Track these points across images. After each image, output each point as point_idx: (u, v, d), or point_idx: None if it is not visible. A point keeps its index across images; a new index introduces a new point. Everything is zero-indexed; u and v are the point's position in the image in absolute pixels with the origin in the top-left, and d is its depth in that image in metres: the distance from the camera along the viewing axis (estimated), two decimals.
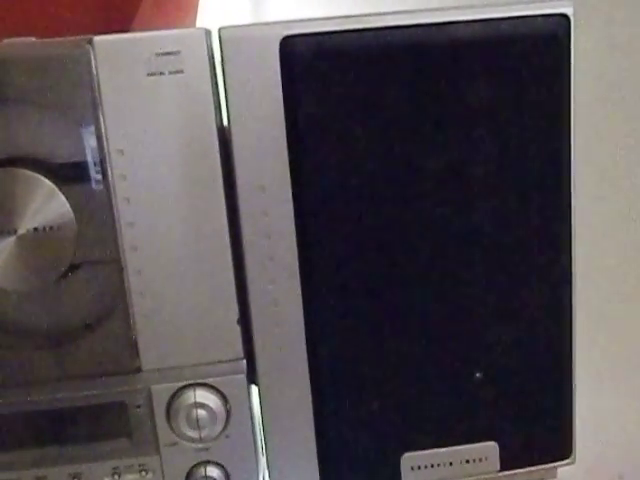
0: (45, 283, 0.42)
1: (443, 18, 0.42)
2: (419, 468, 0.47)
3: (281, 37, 0.41)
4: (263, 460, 0.48)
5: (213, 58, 0.42)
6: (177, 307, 0.44)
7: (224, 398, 0.45)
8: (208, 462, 0.46)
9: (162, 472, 0.46)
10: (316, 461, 0.47)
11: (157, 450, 0.46)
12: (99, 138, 0.41)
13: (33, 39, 0.41)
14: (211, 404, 0.45)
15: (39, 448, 0.45)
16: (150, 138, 0.41)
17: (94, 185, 0.42)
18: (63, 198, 0.40)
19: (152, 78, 0.41)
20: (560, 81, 0.44)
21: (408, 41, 0.42)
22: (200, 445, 0.46)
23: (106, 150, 0.41)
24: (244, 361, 0.45)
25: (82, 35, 0.40)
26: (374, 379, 0.46)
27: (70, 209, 0.41)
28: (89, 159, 0.41)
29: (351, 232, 0.44)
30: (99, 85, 0.40)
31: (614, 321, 0.72)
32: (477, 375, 0.46)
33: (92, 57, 0.40)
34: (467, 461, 0.48)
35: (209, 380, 0.45)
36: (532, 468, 0.49)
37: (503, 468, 0.48)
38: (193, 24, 0.62)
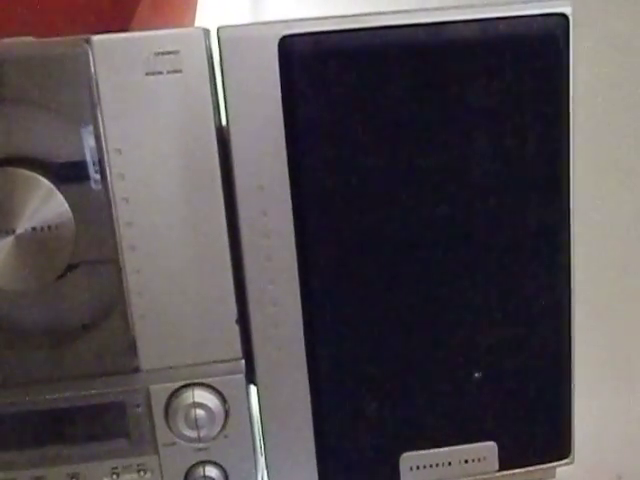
0: (43, 283, 0.42)
1: (441, 18, 0.42)
2: (418, 468, 0.47)
3: (280, 37, 0.41)
4: (262, 460, 0.48)
5: (212, 58, 0.42)
6: (176, 307, 0.44)
7: (223, 398, 0.45)
8: (207, 462, 0.46)
9: (161, 472, 0.46)
10: (315, 461, 0.47)
11: (156, 450, 0.46)
12: (97, 138, 0.41)
13: (31, 39, 0.41)
14: (210, 404, 0.45)
15: (37, 448, 0.45)
16: (148, 138, 0.41)
17: (92, 185, 0.42)
18: (61, 198, 0.40)
19: (150, 78, 0.41)
20: (559, 81, 0.44)
21: (406, 41, 0.42)
22: (199, 445, 0.46)
23: (104, 150, 0.41)
24: (243, 361, 0.45)
25: (80, 35, 0.40)
26: (373, 379, 0.46)
27: (68, 209, 0.41)
28: (87, 159, 0.41)
29: (350, 232, 0.44)
30: (97, 85, 0.40)
31: (613, 321, 0.72)
32: (476, 375, 0.46)
33: (90, 57, 0.40)
34: (466, 461, 0.48)
35: (208, 380, 0.45)
36: (531, 468, 0.49)
37: (502, 468, 0.48)
38: (192, 24, 0.62)
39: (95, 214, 0.42)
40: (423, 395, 0.46)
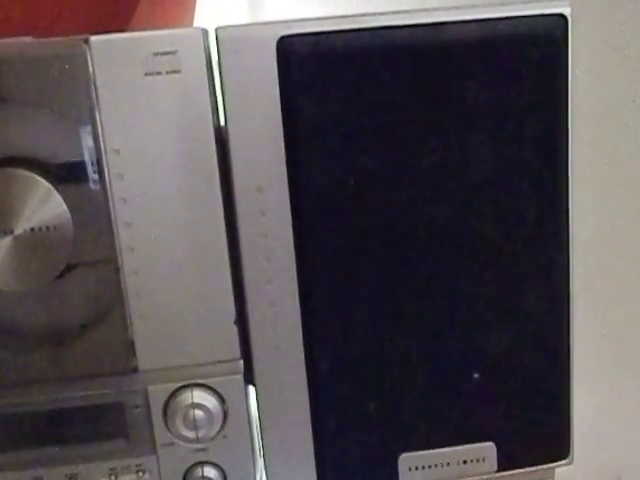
0: (42, 283, 0.42)
1: (440, 18, 0.42)
2: (417, 468, 0.47)
3: (278, 37, 0.41)
4: (260, 461, 0.48)
5: (210, 58, 0.42)
6: (174, 307, 0.43)
7: (221, 399, 0.45)
8: (205, 463, 0.46)
9: (159, 473, 0.46)
10: (313, 461, 0.47)
11: (154, 450, 0.46)
12: (96, 138, 0.41)
13: (30, 39, 0.41)
14: (208, 405, 0.45)
15: (36, 448, 0.45)
16: (147, 138, 0.41)
17: (91, 185, 0.42)
18: (60, 198, 0.40)
19: (149, 78, 0.41)
20: (558, 81, 0.44)
21: (405, 41, 0.42)
22: (197, 446, 0.46)
23: (103, 150, 0.41)
24: (241, 361, 0.45)
25: (79, 35, 0.40)
26: (371, 379, 0.46)
27: (67, 209, 0.40)
28: (86, 159, 0.41)
29: (348, 232, 0.44)
30: (96, 85, 0.40)
31: (613, 322, 0.72)
32: (475, 375, 0.46)
33: (89, 57, 0.40)
34: (464, 462, 0.48)
35: (206, 380, 0.45)
36: (530, 469, 0.49)
37: (501, 469, 0.48)
38: (190, 24, 0.62)
39: (93, 215, 0.42)
40: (422, 396, 0.46)
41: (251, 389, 0.47)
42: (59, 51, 0.40)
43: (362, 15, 0.41)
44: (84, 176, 0.41)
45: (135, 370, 0.44)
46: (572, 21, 0.43)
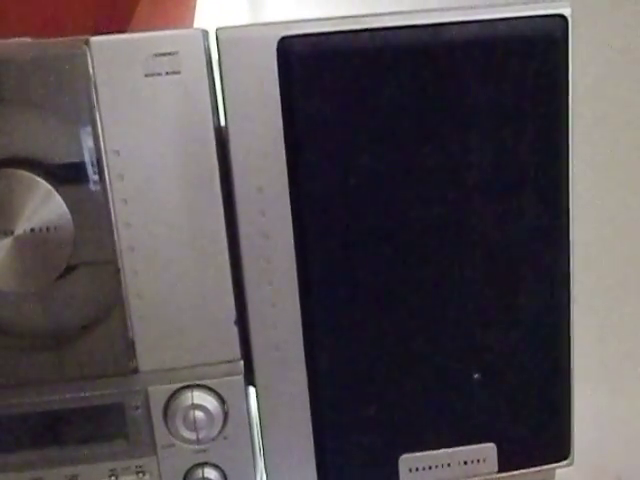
0: (42, 284, 0.42)
1: (441, 19, 0.42)
2: (417, 469, 0.47)
3: (278, 38, 0.41)
4: (261, 462, 0.48)
5: (210, 59, 0.42)
6: (174, 308, 0.43)
7: (221, 399, 0.45)
8: (206, 464, 0.46)
9: (159, 474, 0.46)
10: (314, 462, 0.47)
11: (154, 452, 0.46)
12: (96, 139, 0.41)
13: (29, 39, 0.41)
14: (208, 405, 0.45)
15: (36, 449, 0.45)
16: (147, 139, 0.41)
17: (91, 186, 0.42)
18: (60, 199, 0.40)
19: (149, 79, 0.41)
20: (558, 81, 0.44)
21: (405, 42, 0.42)
22: (197, 447, 0.46)
23: (103, 151, 0.41)
24: (241, 362, 0.45)
25: (79, 35, 0.40)
26: (372, 380, 0.46)
27: (67, 210, 0.40)
28: (86, 160, 0.41)
29: (349, 232, 0.44)
30: (96, 86, 0.40)
31: (613, 322, 0.72)
32: (475, 376, 0.46)
33: (89, 57, 0.40)
34: (465, 462, 0.48)
35: (206, 381, 0.45)
36: (530, 469, 0.49)
37: (501, 469, 0.48)
38: (191, 25, 0.62)
39: (94, 215, 0.42)
40: (422, 396, 0.46)
41: (251, 390, 0.47)
42: (59, 52, 0.40)
43: (362, 16, 0.41)
44: (84, 177, 0.41)
45: (135, 371, 0.44)
46: (572, 22, 0.43)
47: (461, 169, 0.44)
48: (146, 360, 0.44)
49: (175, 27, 0.52)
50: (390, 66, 0.42)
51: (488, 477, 0.48)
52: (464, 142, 0.43)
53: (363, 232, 0.44)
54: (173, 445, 0.45)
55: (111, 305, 0.43)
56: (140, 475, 0.46)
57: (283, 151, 0.42)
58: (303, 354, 0.45)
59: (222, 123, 0.43)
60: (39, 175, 0.40)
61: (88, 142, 0.41)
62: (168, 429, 0.45)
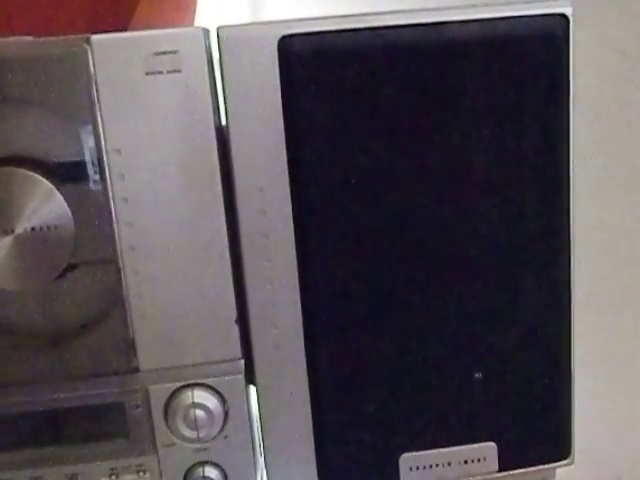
0: (42, 283, 0.42)
1: (442, 18, 0.42)
2: (418, 468, 0.47)
3: (279, 36, 0.41)
4: (261, 460, 0.48)
5: (211, 57, 0.42)
6: (175, 307, 0.43)
7: (222, 398, 0.45)
8: (206, 462, 0.46)
9: (160, 472, 0.46)
10: (314, 461, 0.47)
11: (155, 450, 0.46)
12: (97, 138, 0.41)
13: (30, 38, 0.41)
14: (209, 404, 0.45)
15: (36, 448, 0.45)
16: (148, 138, 0.41)
17: (92, 185, 0.42)
18: (61, 198, 0.40)
19: (150, 77, 0.41)
20: (559, 81, 0.44)
21: (406, 41, 0.42)
22: (198, 445, 0.46)
23: (104, 150, 0.41)
24: (242, 361, 0.45)
25: (80, 34, 0.40)
26: (372, 379, 0.46)
27: (68, 209, 0.40)
28: (87, 159, 0.41)
29: (350, 232, 0.44)
30: (97, 84, 0.40)
31: (613, 322, 0.72)
32: (476, 375, 0.46)
33: (90, 56, 0.40)
34: (466, 461, 0.48)
35: (207, 380, 0.45)
36: (531, 469, 0.49)
37: (502, 469, 0.48)
38: (191, 23, 0.61)
39: (94, 214, 0.42)
40: (423, 395, 0.46)
41: (252, 389, 0.47)
42: (60, 50, 0.40)
43: (363, 15, 0.41)
44: (85, 176, 0.41)
45: (136, 370, 0.44)
46: (573, 21, 0.43)
47: (461, 168, 0.44)
48: (146, 359, 0.44)
49: (176, 26, 0.52)
50: (391, 65, 0.42)
51: (488, 476, 0.48)
52: (465, 141, 0.43)
53: (363, 232, 0.44)
54: (173, 444, 0.45)
55: (111, 304, 0.43)
56: (141, 474, 0.46)
57: (284, 150, 0.42)
58: (304, 353, 0.45)
59: (223, 122, 0.43)
60: (40, 174, 0.40)
61: (89, 141, 0.41)
62: (168, 428, 0.45)
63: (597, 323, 0.69)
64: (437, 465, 0.48)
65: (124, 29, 0.43)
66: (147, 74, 0.40)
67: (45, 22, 0.50)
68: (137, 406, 0.45)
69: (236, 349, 0.45)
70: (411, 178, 0.43)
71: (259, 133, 0.42)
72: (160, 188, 0.42)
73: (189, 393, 0.45)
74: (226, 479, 0.47)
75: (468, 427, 0.47)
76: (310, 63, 0.41)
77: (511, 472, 0.48)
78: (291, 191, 0.43)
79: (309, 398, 0.46)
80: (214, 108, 0.42)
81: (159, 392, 0.45)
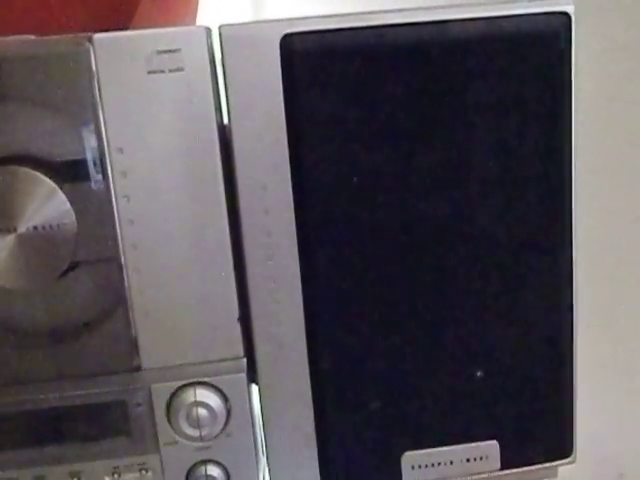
0: (45, 282, 0.42)
1: (444, 16, 0.42)
2: (420, 467, 0.47)
3: (282, 35, 0.41)
4: (263, 459, 0.48)
5: (213, 56, 0.42)
6: (177, 305, 0.43)
7: (224, 397, 0.45)
8: (208, 461, 0.46)
9: (162, 471, 0.46)
10: (317, 460, 0.47)
11: (157, 449, 0.46)
12: (99, 136, 0.41)
13: (32, 37, 0.41)
14: (211, 403, 0.45)
15: (38, 447, 0.45)
16: (150, 136, 0.41)
17: (94, 183, 0.42)
18: (63, 196, 0.40)
19: (152, 76, 0.41)
20: (561, 79, 0.44)
21: (409, 39, 0.42)
22: (200, 444, 0.46)
23: (106, 148, 0.41)
24: (244, 360, 0.45)
25: (82, 33, 0.40)
26: (375, 378, 0.46)
27: (70, 207, 0.40)
28: (89, 157, 0.41)
29: (352, 230, 0.44)
30: (99, 83, 0.40)
31: (615, 320, 0.72)
32: (478, 374, 0.46)
33: (92, 55, 0.40)
34: (468, 460, 0.48)
35: (209, 379, 0.45)
36: (533, 467, 0.49)
37: (504, 467, 0.48)
38: (193, 22, 0.61)
39: (97, 213, 0.42)
40: (425, 394, 0.46)
41: (254, 387, 0.47)
42: (62, 49, 0.40)
43: (366, 13, 0.41)
44: (87, 174, 0.41)
45: (138, 368, 0.44)
46: (575, 19, 0.43)
47: (464, 166, 0.44)
48: (149, 357, 0.44)
49: (178, 24, 0.52)
50: (393, 63, 0.42)
51: (490, 474, 0.48)
52: (467, 140, 0.43)
53: (366, 229, 0.44)
54: (176, 442, 0.45)
55: (114, 303, 0.43)
56: (143, 472, 0.46)
57: (286, 149, 0.42)
58: (306, 351, 0.45)
59: (225, 121, 0.43)
60: (42, 173, 0.40)
61: (91, 139, 0.41)
62: (171, 426, 0.45)
63: (600, 321, 0.69)
64: (439, 464, 0.48)
65: (126, 28, 0.43)
66: (149, 73, 0.40)
67: (47, 21, 0.50)
68: (139, 404, 0.45)
69: (238, 348, 0.45)
70: (413, 175, 0.43)
71: (261, 131, 0.42)
72: (162, 186, 0.42)
73: (191, 392, 0.45)
74: (228, 478, 0.47)
75: (470, 426, 0.47)
76: (312, 61, 0.41)
77: (513, 470, 0.49)
78: (293, 189, 0.43)
79: (311, 396, 0.46)
80: (216, 107, 0.42)
81: (161, 390, 0.45)
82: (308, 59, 0.41)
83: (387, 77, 0.42)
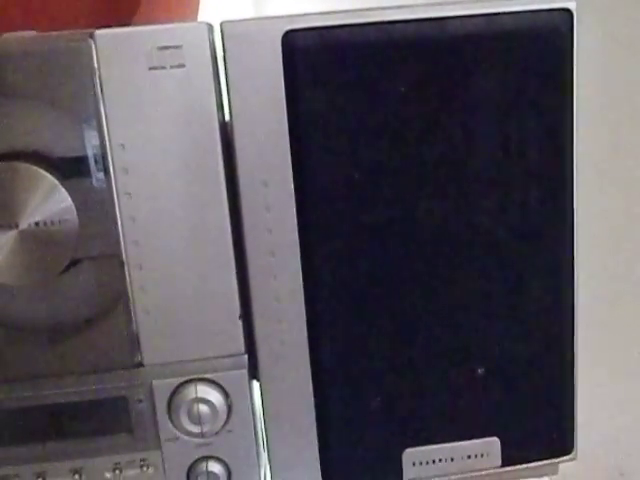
0: (46, 278, 0.42)
1: (446, 12, 0.42)
2: (421, 464, 0.47)
3: (283, 31, 0.41)
4: (264, 455, 0.48)
5: (215, 52, 0.42)
6: (178, 302, 0.44)
7: (225, 393, 0.45)
8: (209, 457, 0.46)
9: (163, 467, 0.46)
10: (317, 456, 0.47)
11: (158, 445, 0.46)
12: (101, 132, 0.41)
13: (34, 33, 0.41)
14: (212, 399, 0.45)
15: (40, 443, 0.45)
16: (152, 133, 0.41)
17: (95, 180, 0.42)
18: (65, 193, 0.40)
19: (154, 72, 0.41)
20: (563, 75, 0.44)
21: (411, 35, 0.42)
22: (201, 440, 0.46)
23: (107, 144, 0.41)
24: (245, 356, 0.45)
25: (83, 29, 0.40)
26: (376, 374, 0.46)
27: (72, 204, 0.40)
28: (91, 153, 0.41)
29: (353, 227, 0.44)
30: (100, 79, 0.40)
31: (616, 317, 0.72)
32: (479, 371, 0.46)
33: (93, 51, 0.40)
34: (469, 457, 0.48)
35: (210, 375, 0.45)
36: (533, 464, 0.49)
37: (504, 464, 0.48)
38: (195, 19, 0.61)
39: (98, 209, 0.42)
40: (426, 391, 0.46)
41: (255, 384, 0.47)
42: (64, 45, 0.40)
43: (367, 9, 0.41)
44: (89, 171, 0.41)
45: (139, 364, 0.44)
46: (577, 16, 0.43)
47: (466, 162, 0.44)
48: (150, 354, 0.44)
49: (179, 21, 0.52)
50: (395, 60, 0.42)
51: (491, 471, 0.48)
52: (469, 136, 0.43)
53: (367, 226, 0.44)
54: (177, 438, 0.46)
55: (115, 299, 0.43)
56: (144, 468, 0.46)
57: (288, 145, 0.42)
58: (307, 348, 0.45)
59: (226, 117, 0.43)
60: (44, 169, 0.40)
61: (93, 136, 0.41)
62: (172, 422, 0.45)
63: (601, 318, 0.69)
64: (440, 460, 0.48)
65: (128, 24, 0.42)
66: (151, 69, 0.40)
67: (48, 17, 0.50)
68: (141, 401, 0.45)
69: (239, 344, 0.45)
70: (416, 172, 0.43)
71: (263, 128, 0.42)
72: (164, 183, 0.42)
73: (193, 388, 0.45)
74: (229, 474, 0.47)
75: (471, 422, 0.47)
76: (314, 58, 0.41)
77: (514, 467, 0.49)
78: (295, 186, 0.43)
79: (312, 393, 0.46)
80: (218, 103, 0.42)
81: (163, 387, 0.45)
82: (309, 56, 0.41)
83: (388, 74, 0.42)
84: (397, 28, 0.42)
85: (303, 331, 0.45)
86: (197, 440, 0.46)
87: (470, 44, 0.42)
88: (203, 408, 0.45)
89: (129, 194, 0.42)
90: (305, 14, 0.41)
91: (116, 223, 0.42)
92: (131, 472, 0.46)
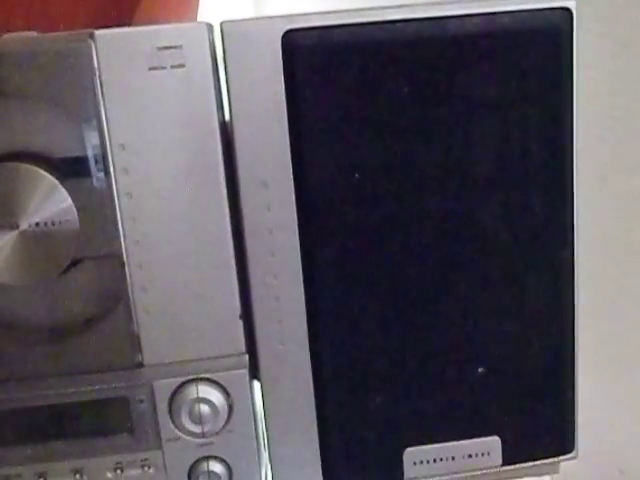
0: (47, 278, 0.42)
1: (445, 12, 0.42)
2: (422, 463, 0.47)
3: (283, 31, 0.41)
4: (265, 454, 0.48)
5: (215, 52, 0.42)
6: (179, 302, 0.44)
7: (226, 393, 0.45)
8: (210, 457, 0.46)
9: (164, 467, 0.46)
10: (318, 455, 0.47)
11: (159, 445, 0.46)
12: (101, 133, 0.41)
13: (34, 33, 0.41)
14: (213, 399, 0.45)
15: (41, 443, 0.45)
16: (152, 133, 0.41)
17: (96, 180, 0.42)
18: (65, 193, 0.40)
19: (153, 72, 0.41)
20: (562, 75, 0.44)
21: (410, 35, 0.42)
22: (202, 440, 0.46)
23: (108, 145, 0.41)
24: (246, 356, 0.45)
25: (83, 29, 0.40)
26: (376, 374, 0.46)
27: (72, 204, 0.40)
28: (91, 154, 0.41)
29: (353, 227, 0.44)
30: (100, 79, 0.40)
31: (616, 316, 0.72)
32: (480, 370, 0.46)
33: (93, 51, 0.40)
34: (470, 456, 0.48)
35: (211, 375, 0.45)
36: (534, 463, 0.49)
37: (505, 463, 0.48)
38: (194, 19, 0.61)
39: (99, 209, 0.42)
40: (427, 390, 0.46)
41: (256, 384, 0.47)
42: (64, 46, 0.40)
43: (367, 9, 0.41)
44: (89, 171, 0.41)
45: (140, 365, 0.44)
46: (577, 15, 0.43)
47: (466, 162, 0.44)
48: (151, 354, 0.44)
49: (179, 21, 0.52)
50: (395, 59, 0.42)
51: (492, 470, 0.48)
52: (469, 135, 0.43)
53: (367, 226, 0.44)
54: (178, 438, 0.46)
55: (116, 299, 0.43)
56: (145, 468, 0.46)
57: (288, 145, 0.42)
58: (308, 348, 0.45)
59: (227, 117, 0.43)
60: (44, 169, 0.40)
61: (93, 136, 0.41)
62: (173, 422, 0.45)
63: (602, 317, 0.69)
64: (441, 459, 0.48)
65: (128, 24, 0.42)
66: (150, 69, 0.40)
67: (48, 17, 0.50)
68: (141, 401, 0.45)
69: (240, 344, 0.45)
70: (416, 172, 0.43)
71: (263, 128, 0.42)
72: (164, 183, 0.42)
73: (193, 388, 0.45)
74: (230, 474, 0.47)
75: (472, 421, 0.47)
76: (314, 58, 0.41)
77: (515, 466, 0.49)
78: (295, 186, 0.43)
79: (313, 393, 0.46)
80: (218, 103, 0.42)
81: (163, 387, 0.45)
82: (309, 55, 0.41)
83: (388, 73, 0.42)
84: (397, 28, 0.42)
85: (304, 330, 0.45)
86: (198, 440, 0.46)
87: (470, 43, 0.42)
88: (204, 408, 0.45)
89: (129, 194, 0.42)
90: (305, 14, 0.41)
91: (116, 223, 0.42)
92: (132, 472, 0.46)
